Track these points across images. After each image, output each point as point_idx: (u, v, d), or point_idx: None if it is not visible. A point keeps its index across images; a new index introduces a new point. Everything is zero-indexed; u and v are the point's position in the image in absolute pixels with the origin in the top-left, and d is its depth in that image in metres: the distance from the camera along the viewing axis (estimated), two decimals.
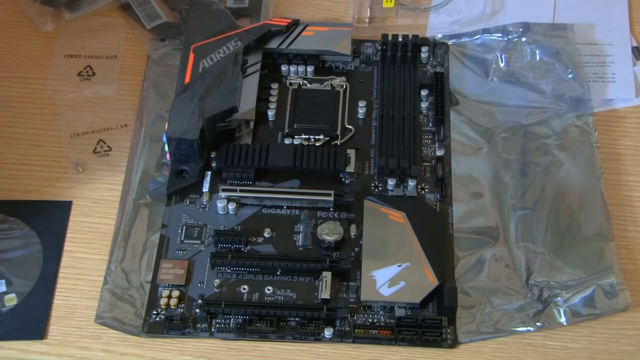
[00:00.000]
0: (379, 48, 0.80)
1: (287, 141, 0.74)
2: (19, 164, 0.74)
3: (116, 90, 0.78)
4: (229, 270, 0.68)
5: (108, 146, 0.75)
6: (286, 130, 0.75)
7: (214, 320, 0.65)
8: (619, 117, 0.78)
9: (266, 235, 0.69)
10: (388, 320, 0.65)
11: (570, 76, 0.78)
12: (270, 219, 0.70)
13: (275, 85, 0.77)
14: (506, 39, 0.80)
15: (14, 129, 0.76)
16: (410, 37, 0.79)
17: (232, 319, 0.65)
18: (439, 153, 0.74)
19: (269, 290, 0.67)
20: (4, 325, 0.66)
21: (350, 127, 0.75)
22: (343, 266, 0.67)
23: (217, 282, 0.67)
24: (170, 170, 0.72)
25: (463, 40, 0.81)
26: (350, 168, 0.71)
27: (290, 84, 0.78)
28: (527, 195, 0.72)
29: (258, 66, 0.77)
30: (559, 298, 0.66)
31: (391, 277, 0.66)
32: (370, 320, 0.65)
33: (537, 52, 0.79)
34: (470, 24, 0.82)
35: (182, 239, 0.69)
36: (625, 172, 0.74)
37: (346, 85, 0.78)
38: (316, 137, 0.74)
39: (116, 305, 0.66)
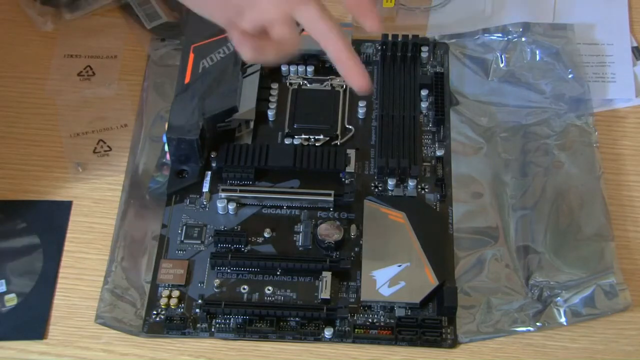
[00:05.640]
0: (379, 48, 0.80)
1: (287, 141, 0.74)
2: (19, 164, 0.74)
3: (116, 90, 0.78)
4: (229, 270, 0.68)
5: (108, 146, 0.75)
6: (286, 130, 0.75)
7: (214, 320, 0.65)
8: (619, 117, 0.78)
9: (266, 235, 0.69)
10: (388, 320, 0.65)
11: (570, 76, 0.78)
12: (270, 219, 0.70)
13: (275, 85, 0.77)
14: (506, 39, 0.80)
15: (14, 129, 0.76)
16: (410, 37, 0.79)
17: (232, 319, 0.65)
18: (439, 153, 0.74)
19: (269, 290, 0.67)
20: (4, 325, 0.66)
21: (350, 127, 0.75)
22: (343, 266, 0.67)
23: (217, 282, 0.67)
24: (170, 170, 0.72)
25: (463, 40, 0.81)
26: (350, 168, 0.71)
27: (290, 84, 0.78)
28: (527, 195, 0.72)
29: (258, 66, 0.77)
30: (559, 298, 0.66)
31: (391, 277, 0.66)
32: (370, 320, 0.65)
33: (537, 52, 0.79)
34: (470, 24, 0.82)
35: (182, 239, 0.69)
36: (625, 172, 0.74)
37: (346, 85, 0.78)
38: (316, 137, 0.74)
39: (116, 305, 0.66)
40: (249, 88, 0.75)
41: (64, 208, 0.72)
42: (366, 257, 0.67)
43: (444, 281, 0.66)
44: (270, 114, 0.76)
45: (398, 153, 0.73)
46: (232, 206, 0.70)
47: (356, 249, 0.68)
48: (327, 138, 0.74)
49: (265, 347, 0.65)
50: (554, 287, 0.67)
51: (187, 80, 0.73)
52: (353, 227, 0.69)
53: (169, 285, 0.67)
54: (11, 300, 0.67)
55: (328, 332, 0.65)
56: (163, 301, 0.66)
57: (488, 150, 0.75)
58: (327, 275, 0.66)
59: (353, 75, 0.59)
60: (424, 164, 0.73)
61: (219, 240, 0.68)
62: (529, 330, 0.66)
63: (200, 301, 0.65)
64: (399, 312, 0.66)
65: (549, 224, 0.70)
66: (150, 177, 0.73)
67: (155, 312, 0.66)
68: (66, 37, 0.81)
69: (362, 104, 0.76)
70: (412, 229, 0.69)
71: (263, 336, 0.65)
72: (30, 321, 0.66)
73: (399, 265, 0.67)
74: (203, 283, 0.67)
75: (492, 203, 0.72)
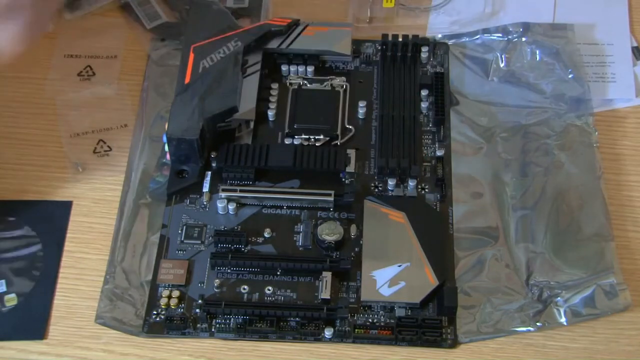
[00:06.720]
0: (379, 48, 0.80)
1: (287, 141, 0.74)
2: (19, 164, 0.74)
3: (116, 90, 0.78)
4: (229, 270, 0.67)
5: (108, 146, 0.75)
6: (286, 130, 0.75)
7: (214, 320, 0.65)
8: (619, 117, 0.78)
9: (266, 235, 0.69)
10: (388, 320, 0.65)
11: (570, 76, 0.78)
12: (270, 219, 0.70)
13: (275, 85, 0.77)
14: (506, 39, 0.80)
15: (14, 129, 0.76)
16: (410, 37, 0.79)
17: (232, 319, 0.65)
18: (439, 153, 0.74)
19: (269, 290, 0.67)
20: (4, 325, 0.66)
21: (350, 127, 0.75)
22: (343, 266, 0.67)
23: (217, 282, 0.67)
24: (170, 170, 0.72)
25: (463, 40, 0.81)
26: (350, 168, 0.71)
27: (291, 84, 0.78)
28: (527, 195, 0.72)
29: (258, 66, 0.77)
30: (559, 298, 0.66)
31: (391, 277, 0.66)
32: (370, 320, 0.65)
33: (537, 52, 0.79)
34: (470, 24, 0.82)
35: (182, 239, 0.69)
36: (625, 172, 0.74)
37: (346, 85, 0.78)
38: (316, 137, 0.74)
39: (116, 305, 0.66)
40: (249, 88, 0.75)
41: (64, 208, 0.71)
42: (366, 257, 0.67)
43: (444, 281, 0.66)
44: (270, 114, 0.76)
45: (398, 153, 0.72)
46: (232, 206, 0.70)
47: (356, 249, 0.68)
48: (327, 138, 0.74)
49: (265, 347, 0.65)
50: (554, 287, 0.67)
51: (187, 80, 0.73)
52: (353, 227, 0.69)
53: (169, 285, 0.67)
54: (11, 300, 0.67)
55: (328, 332, 0.65)
56: (163, 301, 0.66)
57: (488, 150, 0.75)
58: (327, 275, 0.66)
59: None
60: (424, 164, 0.73)
61: (219, 240, 0.68)
62: (529, 330, 0.66)
63: (200, 301, 0.65)
64: (399, 312, 0.66)
65: (549, 224, 0.70)
66: (150, 177, 0.73)
67: (155, 312, 0.66)
68: (66, 37, 0.81)
69: (362, 104, 0.76)
70: (412, 229, 0.68)
71: (263, 336, 0.65)
72: (30, 321, 0.66)
73: (399, 265, 0.67)
74: (203, 283, 0.67)
75: (492, 203, 0.72)
